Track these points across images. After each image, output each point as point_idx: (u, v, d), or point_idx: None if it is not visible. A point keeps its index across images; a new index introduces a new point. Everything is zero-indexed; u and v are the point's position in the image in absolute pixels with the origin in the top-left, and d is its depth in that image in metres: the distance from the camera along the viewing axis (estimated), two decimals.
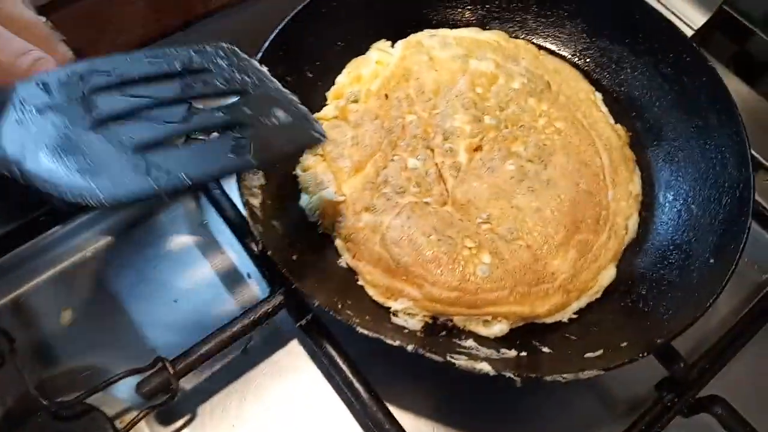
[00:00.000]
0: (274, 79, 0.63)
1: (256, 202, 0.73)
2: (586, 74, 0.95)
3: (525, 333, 0.74)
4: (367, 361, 0.70)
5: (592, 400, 0.77)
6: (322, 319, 0.72)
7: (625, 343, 0.69)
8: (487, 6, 0.99)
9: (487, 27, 0.98)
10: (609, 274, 0.78)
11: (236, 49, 0.64)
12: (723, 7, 1.04)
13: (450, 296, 0.73)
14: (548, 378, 0.63)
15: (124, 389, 0.69)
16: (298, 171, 0.82)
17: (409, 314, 0.73)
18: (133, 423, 0.66)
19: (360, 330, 0.65)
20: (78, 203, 0.48)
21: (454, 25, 0.97)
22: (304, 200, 0.80)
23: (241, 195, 0.72)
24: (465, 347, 0.71)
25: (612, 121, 0.90)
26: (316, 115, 0.84)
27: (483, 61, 0.90)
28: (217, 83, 0.58)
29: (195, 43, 0.61)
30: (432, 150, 0.82)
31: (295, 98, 0.63)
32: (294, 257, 0.73)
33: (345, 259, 0.77)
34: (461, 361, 0.64)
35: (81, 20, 0.87)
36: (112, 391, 0.69)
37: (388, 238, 0.75)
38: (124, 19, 0.92)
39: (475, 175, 0.80)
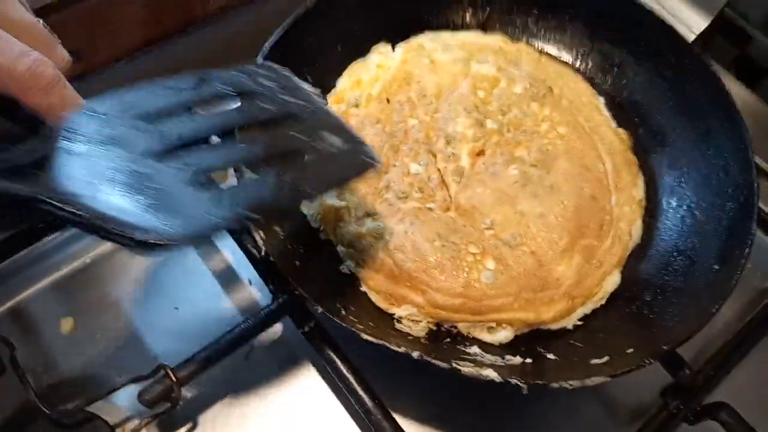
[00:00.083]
0: (322, 99, 0.60)
1: None
2: (588, 78, 0.94)
3: (530, 339, 0.73)
4: (371, 368, 0.69)
5: (597, 407, 0.77)
6: (324, 326, 0.71)
7: (630, 350, 0.69)
8: (488, 9, 0.98)
9: (488, 30, 0.97)
10: (614, 280, 0.78)
11: (276, 66, 0.61)
12: (724, 11, 1.04)
13: (454, 303, 0.72)
14: (555, 385, 0.63)
15: (126, 397, 0.68)
16: None
17: (413, 321, 0.73)
18: (135, 431, 0.66)
19: (364, 337, 0.64)
20: (144, 242, 0.45)
21: (454, 29, 0.97)
22: (306, 206, 0.79)
23: None
24: (470, 354, 0.70)
25: (614, 125, 0.90)
26: None
27: (485, 65, 0.90)
28: (270, 107, 0.55)
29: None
30: (434, 155, 0.82)
31: (342, 120, 0.60)
32: (296, 263, 0.72)
33: (348, 265, 0.76)
34: (467, 368, 0.64)
35: (79, 22, 0.86)
36: (114, 399, 0.68)
37: (391, 244, 0.74)
38: (123, 22, 0.91)
39: (479, 180, 0.80)
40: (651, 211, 0.84)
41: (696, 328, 0.67)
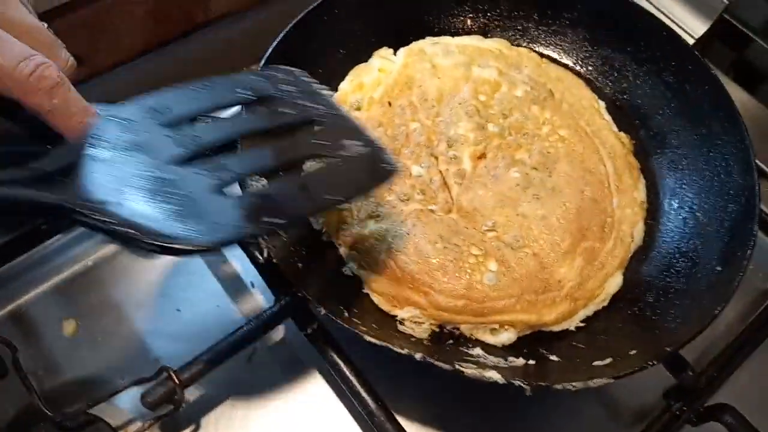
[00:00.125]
0: (340, 105, 0.60)
1: None
2: (589, 82, 0.95)
3: (532, 341, 0.73)
4: (374, 370, 0.69)
5: (599, 409, 0.77)
6: (327, 328, 0.71)
7: (633, 351, 0.69)
8: (489, 14, 0.99)
9: (489, 35, 0.98)
10: (616, 282, 0.78)
11: (296, 70, 0.60)
12: (723, 16, 1.05)
13: (457, 304, 0.72)
14: (558, 386, 0.63)
15: (128, 399, 0.68)
16: None
17: (415, 322, 0.73)
18: None
19: (367, 338, 0.64)
20: (169, 248, 0.45)
21: (455, 33, 0.97)
22: None
23: None
24: (473, 356, 0.70)
25: (615, 129, 0.90)
26: None
27: (486, 69, 0.90)
28: (290, 112, 0.55)
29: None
30: (436, 157, 0.82)
31: (361, 125, 0.60)
32: (299, 265, 0.72)
33: (350, 267, 0.76)
34: (470, 370, 0.64)
35: (82, 27, 0.87)
36: (116, 402, 0.68)
37: (394, 246, 0.74)
38: (125, 26, 0.92)
39: (480, 182, 0.80)
40: (653, 213, 0.84)
41: (698, 330, 0.67)
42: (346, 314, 0.69)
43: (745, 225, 0.74)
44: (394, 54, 0.92)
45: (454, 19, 0.98)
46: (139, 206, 0.45)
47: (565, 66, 0.97)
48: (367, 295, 0.75)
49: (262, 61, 0.79)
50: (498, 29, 0.99)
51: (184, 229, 0.45)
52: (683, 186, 0.84)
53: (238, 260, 0.82)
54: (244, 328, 0.69)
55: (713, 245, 0.76)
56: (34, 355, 0.74)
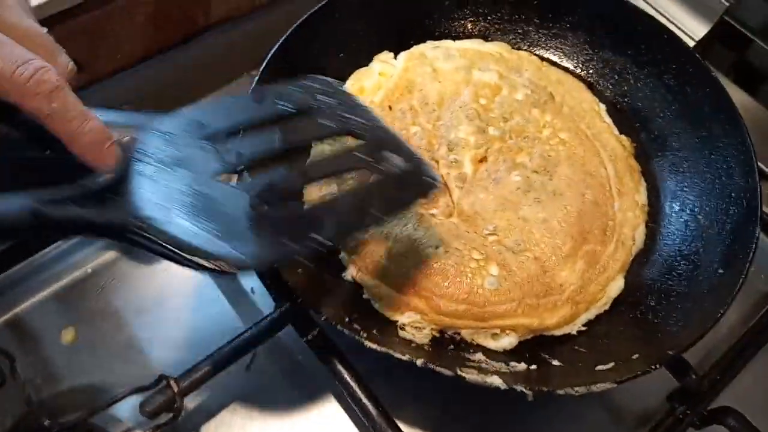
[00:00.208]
0: (378, 117, 0.58)
1: None
2: (589, 85, 0.95)
3: (534, 346, 0.73)
4: (374, 376, 0.68)
5: (602, 413, 0.76)
6: (328, 334, 0.70)
7: (636, 355, 0.68)
8: (489, 18, 0.99)
9: (490, 39, 0.98)
10: (617, 285, 0.77)
11: (333, 80, 0.59)
12: (723, 18, 1.04)
13: (458, 309, 0.72)
14: (560, 391, 0.62)
15: (128, 408, 0.68)
16: None
17: (416, 328, 0.72)
18: None
19: (368, 344, 0.64)
20: (215, 268, 0.44)
21: (456, 37, 0.97)
22: None
23: None
24: (474, 361, 0.70)
25: (616, 132, 0.90)
26: None
27: (486, 73, 0.90)
28: (331, 124, 0.54)
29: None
30: (437, 161, 0.81)
31: (401, 138, 0.58)
32: (299, 271, 0.72)
33: (350, 272, 0.76)
34: (471, 375, 0.63)
35: (81, 34, 0.87)
36: (115, 410, 0.68)
37: (395, 251, 0.74)
38: (125, 32, 0.92)
39: (481, 186, 0.80)
40: (654, 216, 0.84)
41: (701, 333, 0.66)
42: (347, 320, 0.68)
43: (747, 227, 0.74)
44: (395, 58, 0.92)
45: (455, 23, 0.99)
46: (185, 224, 0.44)
47: (566, 69, 0.97)
48: (368, 300, 0.74)
49: (263, 65, 0.79)
50: (499, 33, 0.99)
51: (231, 249, 0.44)
52: (684, 188, 0.84)
53: None
54: (244, 335, 0.68)
55: (715, 248, 0.76)
56: (32, 364, 0.73)
